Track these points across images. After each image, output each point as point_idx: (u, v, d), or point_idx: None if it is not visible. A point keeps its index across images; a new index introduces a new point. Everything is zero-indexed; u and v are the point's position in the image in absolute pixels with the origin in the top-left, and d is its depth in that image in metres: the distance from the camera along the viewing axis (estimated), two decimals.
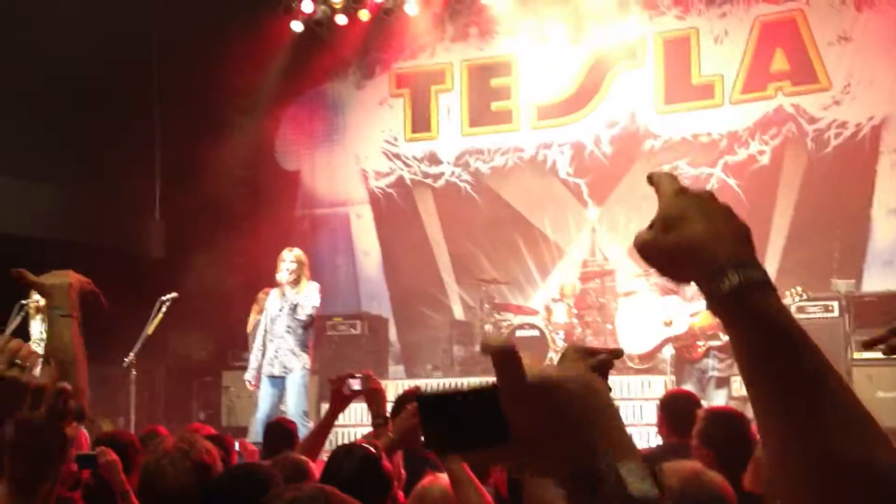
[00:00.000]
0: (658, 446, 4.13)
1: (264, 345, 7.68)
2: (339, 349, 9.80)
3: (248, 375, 7.79)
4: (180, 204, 11.14)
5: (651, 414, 4.28)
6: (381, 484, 2.98)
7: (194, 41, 10.55)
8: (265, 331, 7.69)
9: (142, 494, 2.45)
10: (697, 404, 4.04)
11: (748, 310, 0.93)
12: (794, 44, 10.34)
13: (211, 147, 11.16)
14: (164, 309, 7.55)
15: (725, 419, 3.29)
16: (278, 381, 7.59)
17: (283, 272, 7.51)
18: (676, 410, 3.91)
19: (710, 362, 6.57)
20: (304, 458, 3.32)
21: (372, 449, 3.20)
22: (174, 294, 7.62)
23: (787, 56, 10.37)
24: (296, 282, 7.50)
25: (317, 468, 3.30)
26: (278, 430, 4.78)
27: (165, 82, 11.01)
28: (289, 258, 7.55)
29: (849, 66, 10.14)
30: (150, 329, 7.34)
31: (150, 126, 10.98)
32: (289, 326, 7.54)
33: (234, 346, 10.22)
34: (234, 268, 10.55)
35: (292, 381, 7.54)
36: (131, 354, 7.32)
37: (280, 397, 7.61)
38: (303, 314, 7.47)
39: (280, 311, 7.58)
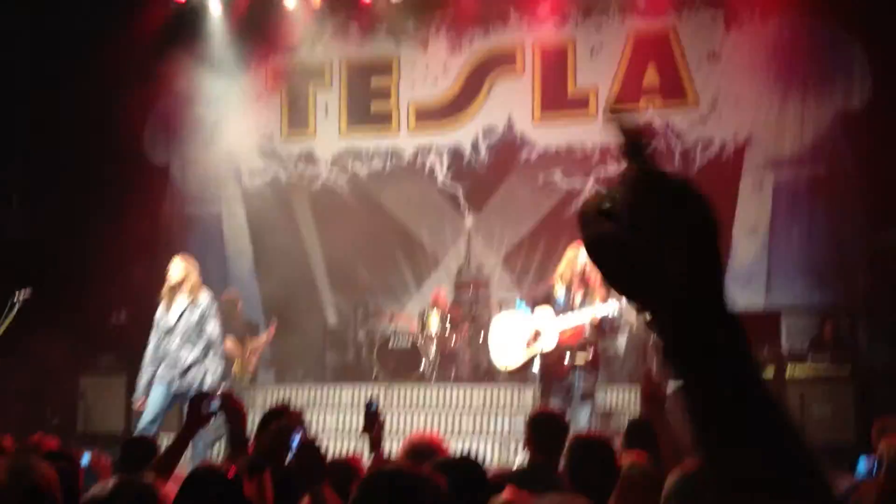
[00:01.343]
0: (524, 467, 4.16)
1: (156, 362, 7.28)
2: None
3: (139, 394, 7.31)
4: (43, 195, 10.61)
5: (521, 425, 4.36)
6: None
7: (62, 24, 10.10)
8: (157, 347, 7.30)
9: None
10: (565, 427, 4.09)
11: (707, 362, 0.82)
12: (666, 59, 10.45)
13: (77, 135, 10.65)
14: (16, 307, 7.13)
15: (593, 448, 3.37)
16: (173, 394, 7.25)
17: (175, 284, 7.22)
18: (544, 431, 3.96)
19: (575, 378, 6.62)
20: (152, 481, 3.15)
21: (230, 470, 3.08)
22: (27, 290, 7.20)
23: (659, 71, 10.47)
24: (181, 287, 7.21)
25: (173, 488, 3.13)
26: (138, 447, 4.51)
27: (36, 67, 10.47)
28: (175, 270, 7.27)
29: (717, 83, 10.32)
30: None
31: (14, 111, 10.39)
32: (188, 341, 7.22)
33: (93, 348, 9.75)
34: (97, 266, 10.08)
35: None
36: None
37: (168, 407, 7.28)
38: (218, 340, 7.21)
39: (176, 323, 7.24)
